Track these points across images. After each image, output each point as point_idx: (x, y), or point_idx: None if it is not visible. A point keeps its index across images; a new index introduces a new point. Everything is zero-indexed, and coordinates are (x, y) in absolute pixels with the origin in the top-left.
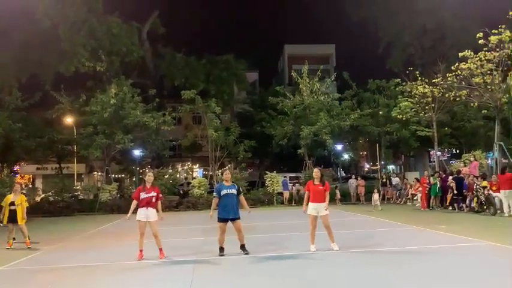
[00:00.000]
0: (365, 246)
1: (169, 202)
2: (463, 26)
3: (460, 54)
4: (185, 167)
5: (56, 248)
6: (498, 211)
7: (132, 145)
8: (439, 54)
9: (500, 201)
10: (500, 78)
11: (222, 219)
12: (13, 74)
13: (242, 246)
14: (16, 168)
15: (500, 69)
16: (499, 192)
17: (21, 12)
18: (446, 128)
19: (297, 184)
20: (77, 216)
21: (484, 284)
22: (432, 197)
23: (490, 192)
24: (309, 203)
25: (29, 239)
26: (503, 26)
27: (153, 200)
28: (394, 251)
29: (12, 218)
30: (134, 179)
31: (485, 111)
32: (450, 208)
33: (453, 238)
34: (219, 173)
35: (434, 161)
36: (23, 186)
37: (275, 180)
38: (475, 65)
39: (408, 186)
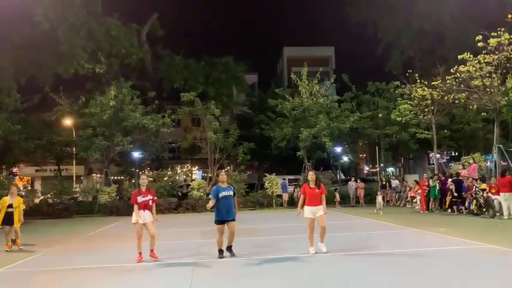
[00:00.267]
0: (364, 248)
1: (168, 204)
2: (461, 29)
3: (459, 56)
4: (184, 169)
5: (54, 250)
6: (497, 214)
7: (131, 147)
8: (438, 56)
9: (500, 203)
10: (499, 81)
11: (221, 221)
12: (12, 76)
13: (229, 248)
14: (15, 170)
15: (499, 71)
16: (498, 194)
17: (20, 14)
18: (445, 131)
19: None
20: (76, 218)
21: (484, 286)
22: (431, 199)
23: (489, 194)
24: (305, 207)
25: (19, 241)
26: (503, 29)
27: (150, 203)
28: (393, 254)
29: (9, 220)
30: (133, 181)
31: (484, 113)
32: (449, 210)
33: (452, 241)
34: (216, 175)
35: (433, 164)
36: (21, 188)
37: (274, 183)
38: (474, 68)
39: (407, 188)
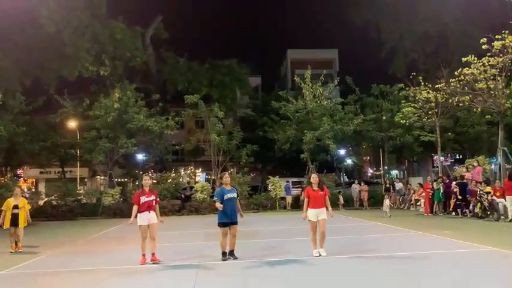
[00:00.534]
0: (368, 251)
1: (172, 206)
2: (465, 32)
3: (464, 59)
4: (188, 171)
5: (58, 252)
6: (502, 217)
7: (135, 149)
8: (442, 59)
9: (504, 206)
10: (503, 84)
11: (225, 224)
12: (17, 78)
13: (231, 252)
14: (19, 172)
15: (504, 74)
16: (503, 197)
17: (25, 16)
18: (449, 133)
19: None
20: (80, 220)
21: None
22: (435, 202)
23: (494, 197)
24: (309, 209)
25: (20, 244)
26: (507, 31)
27: (154, 203)
28: (397, 256)
29: (15, 221)
30: (137, 183)
31: (489, 116)
32: (453, 213)
33: (457, 244)
34: (220, 177)
35: (437, 166)
36: (25, 190)
37: (278, 185)
38: (479, 71)
39: (411, 191)
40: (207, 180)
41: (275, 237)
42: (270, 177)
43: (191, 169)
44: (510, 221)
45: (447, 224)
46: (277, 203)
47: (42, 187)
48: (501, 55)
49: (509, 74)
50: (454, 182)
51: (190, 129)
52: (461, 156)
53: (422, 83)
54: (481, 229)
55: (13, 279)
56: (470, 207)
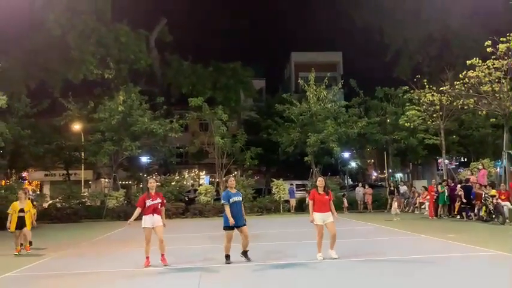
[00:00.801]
0: (373, 254)
1: (176, 209)
2: (469, 35)
3: (468, 62)
4: (192, 174)
5: (62, 255)
6: (507, 220)
7: (139, 152)
8: (447, 62)
9: (510, 210)
10: (508, 86)
11: (230, 227)
12: (22, 81)
13: (245, 253)
14: (24, 174)
15: (509, 77)
16: (508, 201)
17: (31, 20)
18: (454, 136)
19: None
20: (84, 222)
21: None
22: (440, 205)
23: (499, 201)
24: (315, 213)
25: (27, 245)
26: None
27: (159, 206)
28: (402, 260)
29: (21, 224)
30: (141, 185)
31: (494, 119)
32: (458, 217)
33: (462, 247)
34: (225, 180)
35: (442, 169)
36: (31, 192)
37: (281, 188)
38: (483, 73)
39: (416, 194)
40: (210, 183)
41: (280, 240)
42: (274, 180)
43: (195, 172)
44: None
45: (452, 228)
46: (281, 206)
47: (46, 189)
48: (506, 58)
49: None
50: (459, 185)
51: (195, 132)
52: (466, 159)
53: (427, 86)
54: (486, 233)
55: (17, 281)
56: (475, 210)
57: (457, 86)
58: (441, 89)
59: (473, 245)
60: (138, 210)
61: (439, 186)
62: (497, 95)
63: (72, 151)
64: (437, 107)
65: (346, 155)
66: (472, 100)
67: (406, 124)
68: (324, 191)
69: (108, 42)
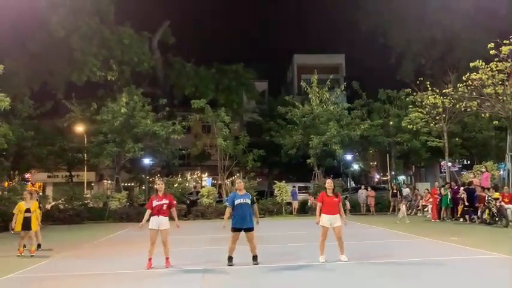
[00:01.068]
0: (376, 257)
1: (178, 211)
2: (472, 37)
3: (471, 64)
4: (194, 176)
5: (65, 256)
6: (510, 223)
7: (142, 154)
8: (449, 64)
9: None
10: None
11: (236, 229)
12: (25, 83)
13: (254, 257)
14: (27, 176)
15: None
16: (511, 203)
17: (35, 22)
18: (457, 139)
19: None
20: (87, 224)
21: None
22: (443, 208)
23: (502, 204)
24: (322, 214)
25: (35, 248)
26: None
27: (164, 207)
28: (404, 263)
29: (27, 225)
30: (144, 187)
31: (497, 121)
32: (461, 220)
33: (465, 250)
34: (228, 182)
35: (445, 172)
36: (37, 193)
37: (284, 190)
38: (486, 76)
39: (419, 197)
40: (213, 184)
41: (283, 242)
42: (276, 182)
43: (197, 174)
44: None
45: (455, 230)
46: (283, 208)
47: (49, 191)
48: (509, 60)
49: None
50: (461, 188)
51: (197, 134)
52: (469, 162)
53: (430, 88)
54: (489, 235)
55: (20, 282)
56: (479, 213)
57: (460, 89)
58: (444, 91)
59: (476, 248)
60: (147, 212)
61: (442, 188)
62: (500, 98)
63: (75, 153)
64: (440, 110)
65: (349, 157)
66: (475, 102)
67: (409, 126)
68: (333, 193)
69: (111, 44)
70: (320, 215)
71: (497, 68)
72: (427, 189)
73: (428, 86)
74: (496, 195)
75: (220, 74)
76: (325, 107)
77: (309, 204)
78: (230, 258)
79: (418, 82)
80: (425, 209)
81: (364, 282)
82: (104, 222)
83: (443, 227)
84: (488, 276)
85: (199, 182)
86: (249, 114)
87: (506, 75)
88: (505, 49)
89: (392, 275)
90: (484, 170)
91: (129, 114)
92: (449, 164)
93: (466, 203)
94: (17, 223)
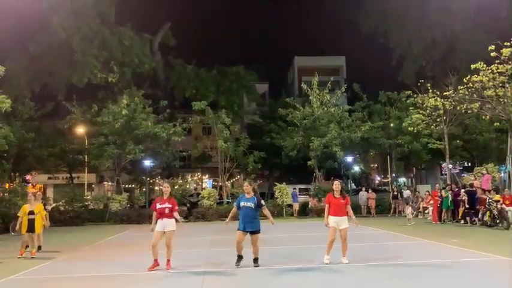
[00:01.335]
0: (377, 259)
1: (178, 213)
2: (473, 39)
3: (472, 66)
4: (195, 178)
5: (66, 258)
6: (511, 225)
7: (142, 155)
8: (450, 66)
9: None
10: None
11: (239, 230)
12: (26, 84)
13: (255, 260)
14: (28, 177)
15: None
16: None
17: (37, 24)
18: (458, 141)
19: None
20: (87, 226)
21: None
22: (444, 210)
23: (503, 206)
24: (330, 216)
25: (35, 250)
26: None
27: (166, 211)
28: (407, 265)
29: (31, 227)
30: (144, 189)
31: (498, 124)
32: (462, 222)
33: (465, 252)
34: (228, 184)
35: (445, 174)
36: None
37: (284, 192)
38: (487, 78)
39: (419, 199)
40: (213, 186)
41: (284, 244)
42: (277, 184)
43: (198, 175)
44: None
45: (456, 233)
46: (284, 210)
47: (50, 193)
48: (510, 62)
49: None
50: (462, 190)
51: (198, 136)
52: (469, 164)
53: (431, 90)
54: (490, 238)
55: (20, 284)
56: (479, 215)
57: (460, 91)
58: (445, 93)
59: (477, 250)
60: (154, 214)
61: (443, 191)
62: (501, 100)
63: (76, 154)
64: (441, 112)
65: (350, 159)
66: (476, 105)
67: (409, 128)
68: (340, 194)
69: (112, 46)
70: (328, 216)
71: (498, 70)
72: (428, 191)
73: (429, 87)
74: (497, 197)
75: (221, 76)
76: (325, 109)
77: (309, 206)
78: (238, 257)
79: (418, 84)
80: (426, 211)
81: (367, 284)
82: (104, 224)
83: (444, 229)
84: (489, 278)
85: (200, 183)
86: (249, 116)
87: (507, 77)
88: (505, 51)
89: (395, 277)
90: (484, 172)
91: (129, 116)
92: (450, 166)
93: (467, 205)
94: (22, 226)
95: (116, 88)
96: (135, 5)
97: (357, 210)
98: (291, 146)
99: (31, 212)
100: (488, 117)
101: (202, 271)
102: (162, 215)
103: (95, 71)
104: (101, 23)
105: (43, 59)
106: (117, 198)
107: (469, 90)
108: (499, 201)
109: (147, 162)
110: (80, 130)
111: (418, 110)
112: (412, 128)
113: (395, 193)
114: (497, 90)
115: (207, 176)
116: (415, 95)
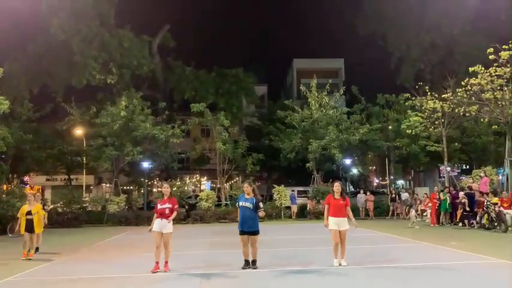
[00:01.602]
0: (376, 261)
1: (176, 215)
2: (472, 42)
3: (471, 69)
4: (193, 180)
5: (64, 260)
6: (509, 228)
7: (141, 157)
8: (449, 69)
9: None
10: (510, 94)
11: (240, 232)
12: (25, 86)
13: (253, 262)
14: (26, 179)
15: (511, 84)
16: (510, 208)
17: (36, 25)
18: (456, 144)
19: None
20: (85, 227)
21: None
22: (442, 213)
23: (501, 209)
24: (330, 217)
25: (33, 252)
26: None
27: (167, 211)
28: (404, 267)
29: (30, 227)
30: (142, 191)
31: (496, 126)
32: (460, 224)
33: (464, 255)
34: (227, 186)
35: (444, 177)
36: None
37: (283, 194)
38: (486, 81)
39: (418, 201)
40: (212, 188)
41: (282, 246)
42: (276, 186)
43: (196, 177)
44: None
45: (454, 235)
46: (282, 212)
47: (48, 194)
48: (508, 65)
49: None
50: (462, 193)
51: (196, 138)
52: (468, 167)
53: (429, 93)
54: (488, 240)
55: (18, 286)
56: (477, 218)
57: (459, 93)
58: (443, 96)
59: (475, 252)
60: (154, 216)
61: (441, 193)
62: (499, 103)
63: (74, 156)
64: (439, 114)
65: (348, 161)
66: (474, 107)
67: (408, 131)
68: (340, 196)
69: (111, 48)
70: (327, 217)
71: (497, 73)
72: (426, 194)
73: (428, 90)
74: (495, 200)
75: (220, 78)
76: (324, 111)
77: (308, 208)
78: (246, 262)
79: (417, 87)
80: (424, 214)
81: (365, 286)
82: (102, 226)
83: (442, 231)
84: (488, 281)
85: (198, 185)
86: (248, 118)
87: (505, 80)
88: (504, 54)
89: (394, 279)
90: (482, 174)
91: (128, 118)
92: (448, 168)
93: (467, 208)
94: (21, 226)
95: (114, 90)
96: (135, 7)
97: (355, 212)
98: (289, 148)
99: (29, 213)
100: (486, 120)
101: (201, 273)
102: (162, 215)
103: (94, 73)
104: (100, 24)
105: (42, 60)
106: (115, 200)
107: (468, 93)
108: (497, 204)
109: (146, 164)
110: (79, 132)
111: (417, 112)
112: (410, 131)
113: (394, 195)
114: (496, 93)
115: (205, 178)
116: (413, 98)
